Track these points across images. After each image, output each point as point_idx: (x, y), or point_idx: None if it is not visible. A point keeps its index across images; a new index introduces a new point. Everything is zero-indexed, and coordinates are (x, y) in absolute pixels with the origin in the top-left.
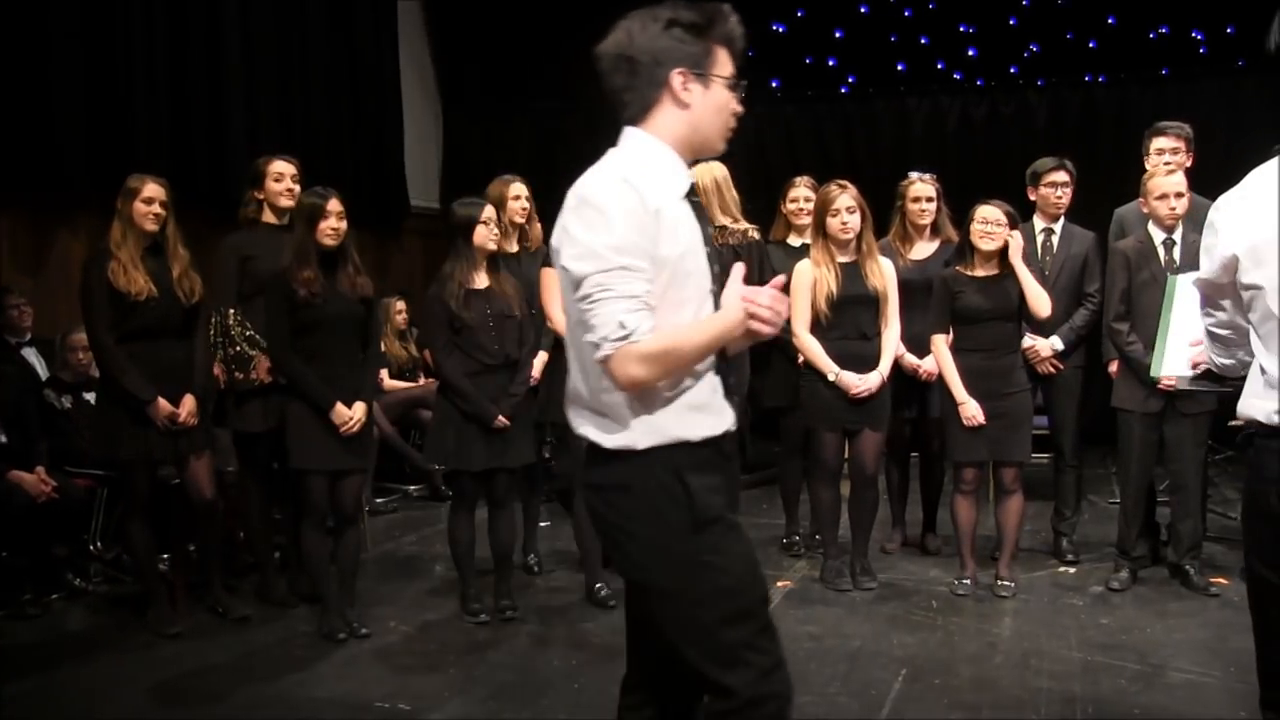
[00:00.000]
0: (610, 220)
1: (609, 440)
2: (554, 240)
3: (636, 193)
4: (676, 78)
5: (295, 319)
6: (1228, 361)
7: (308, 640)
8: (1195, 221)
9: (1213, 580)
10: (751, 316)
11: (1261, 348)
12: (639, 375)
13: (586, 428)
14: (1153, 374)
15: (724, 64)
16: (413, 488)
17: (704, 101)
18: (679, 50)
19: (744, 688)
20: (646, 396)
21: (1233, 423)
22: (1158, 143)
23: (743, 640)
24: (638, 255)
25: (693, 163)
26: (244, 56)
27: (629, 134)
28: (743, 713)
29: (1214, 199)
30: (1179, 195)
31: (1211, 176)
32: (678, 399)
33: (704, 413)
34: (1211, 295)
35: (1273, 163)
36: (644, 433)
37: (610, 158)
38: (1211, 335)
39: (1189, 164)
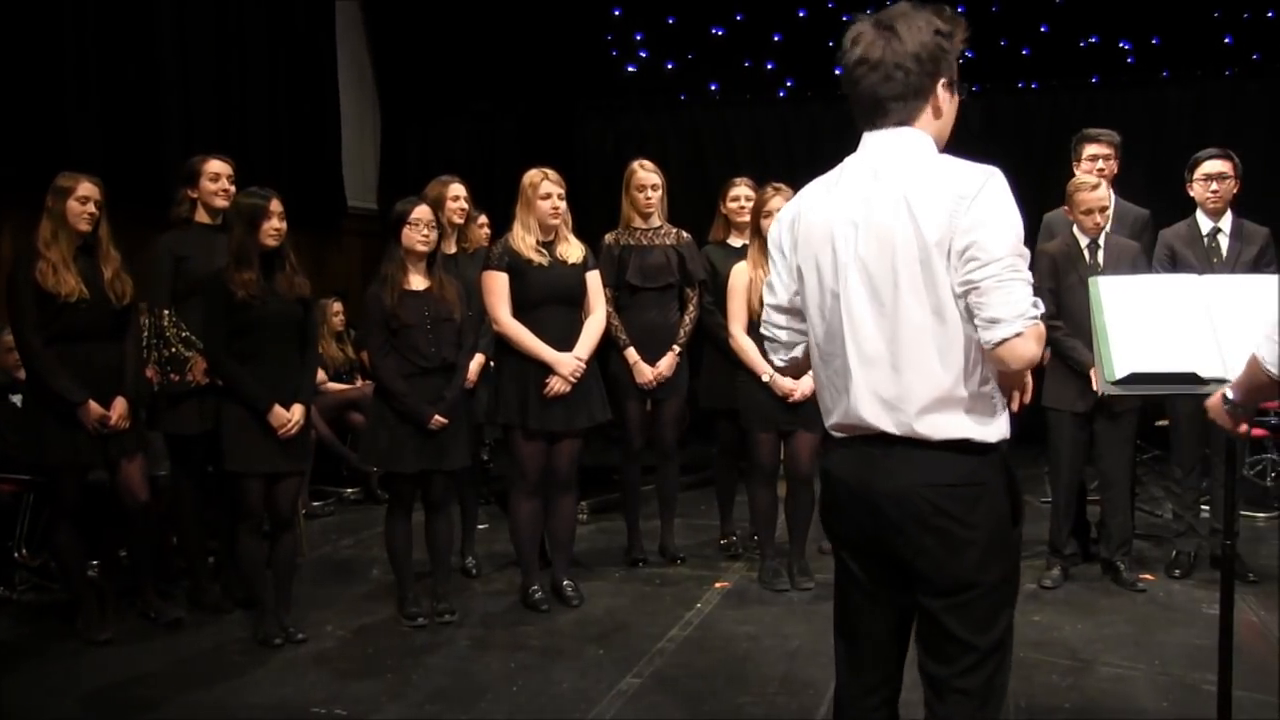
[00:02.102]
0: (1014, 208)
1: (984, 434)
2: (934, 215)
3: None
4: (942, 88)
5: (232, 320)
6: None
7: (242, 646)
8: (1122, 224)
9: (1140, 577)
10: None
11: None
12: (1038, 354)
13: (956, 422)
14: (1108, 379)
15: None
16: (349, 490)
17: (949, 111)
18: (945, 60)
19: (1005, 685)
20: (999, 390)
21: (1159, 422)
22: (1089, 149)
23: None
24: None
25: (625, 166)
26: (179, 53)
27: (901, 135)
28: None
29: (1140, 203)
30: (1103, 210)
31: (1137, 182)
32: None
33: None
34: None
35: None
36: (1002, 425)
37: (935, 155)
38: None
39: (1117, 170)
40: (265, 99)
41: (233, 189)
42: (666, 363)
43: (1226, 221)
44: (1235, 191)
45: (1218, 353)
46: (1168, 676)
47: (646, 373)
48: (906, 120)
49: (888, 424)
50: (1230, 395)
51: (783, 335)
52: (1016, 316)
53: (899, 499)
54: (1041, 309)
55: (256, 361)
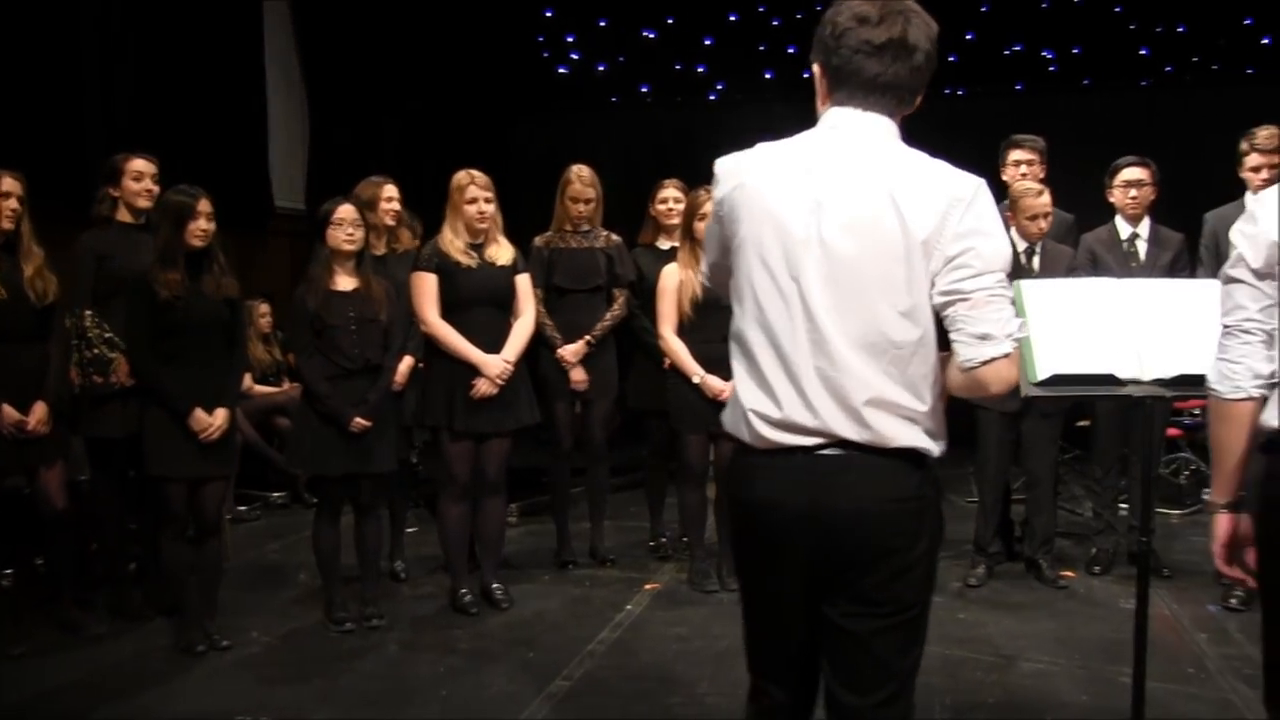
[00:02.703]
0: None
1: (934, 446)
2: (941, 224)
3: None
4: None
5: (157, 321)
6: (1262, 369)
7: (165, 654)
8: (1051, 231)
9: (1062, 574)
10: None
11: None
12: (1015, 378)
13: (912, 432)
14: (1030, 380)
15: None
16: (276, 494)
17: None
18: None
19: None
20: (941, 405)
21: (1080, 423)
22: (1014, 155)
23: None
24: None
25: (556, 167)
26: (102, 47)
27: (877, 120)
28: None
29: (1063, 208)
30: (1046, 215)
31: (1062, 187)
32: None
33: None
34: (1247, 282)
35: None
36: (944, 440)
37: (902, 144)
38: (1233, 331)
39: (1042, 175)
40: (190, 97)
41: (157, 188)
42: (574, 349)
43: (1144, 227)
44: (1153, 198)
45: (1135, 354)
46: (1087, 670)
47: (577, 371)
48: (896, 110)
49: (842, 425)
50: (1220, 500)
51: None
52: (1006, 336)
53: (858, 518)
54: (1026, 331)
55: (181, 363)
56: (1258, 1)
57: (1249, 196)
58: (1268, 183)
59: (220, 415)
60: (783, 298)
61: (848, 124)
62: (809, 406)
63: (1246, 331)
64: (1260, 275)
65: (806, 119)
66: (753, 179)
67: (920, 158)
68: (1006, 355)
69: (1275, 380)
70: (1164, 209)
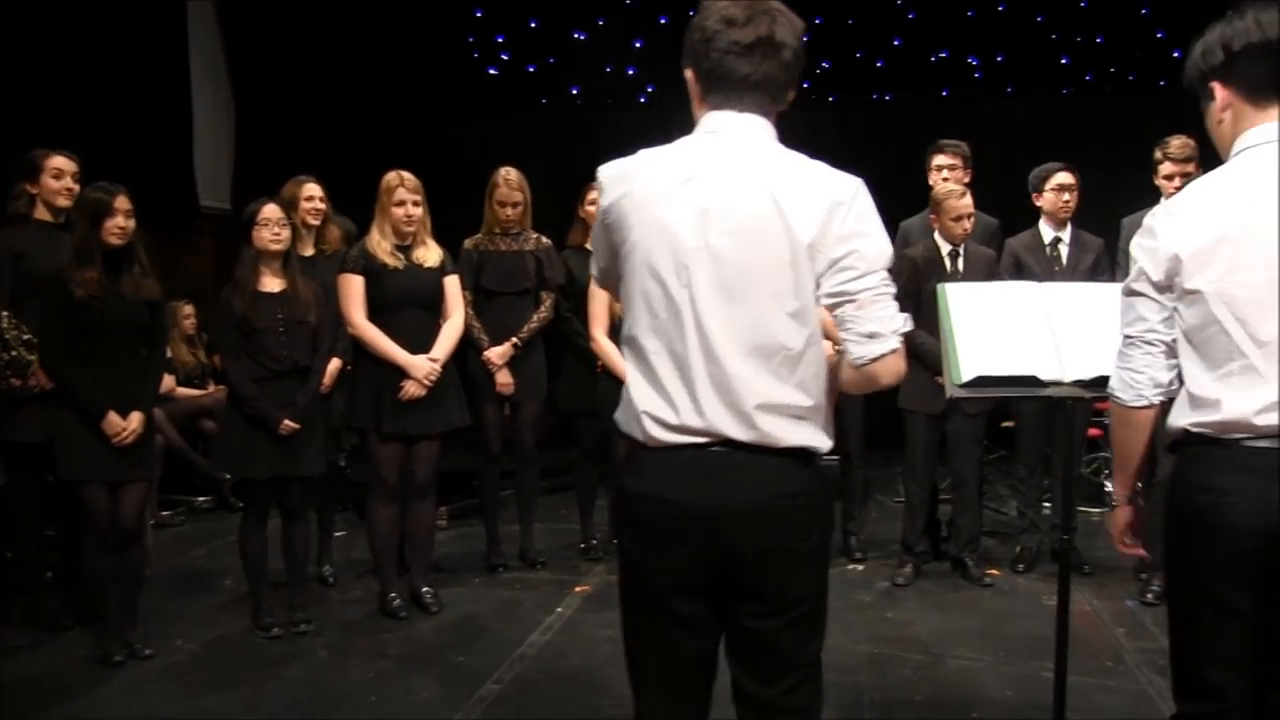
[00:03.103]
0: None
1: (822, 442)
2: (824, 224)
3: None
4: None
5: (72, 321)
6: (1161, 377)
7: (83, 665)
8: (975, 235)
9: (987, 572)
10: None
11: (1193, 357)
12: (905, 369)
13: (802, 430)
14: (955, 381)
15: None
16: (201, 499)
17: None
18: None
19: (822, 695)
20: (830, 402)
21: (1004, 424)
22: (937, 160)
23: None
24: None
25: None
26: (17, 43)
27: (755, 122)
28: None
29: (990, 213)
30: (970, 216)
31: (986, 191)
32: None
33: None
34: (1149, 295)
35: (1216, 171)
36: (826, 435)
37: (791, 152)
38: (1136, 342)
39: (967, 179)
40: (111, 94)
41: (77, 187)
42: (500, 351)
43: (1066, 231)
44: (1076, 203)
45: (1056, 356)
46: (1011, 666)
47: (502, 374)
48: (770, 109)
49: (733, 428)
50: (1121, 500)
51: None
52: (893, 332)
53: (749, 514)
54: (910, 325)
55: (97, 364)
56: (1170, 17)
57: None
58: (1180, 190)
59: (135, 419)
60: (674, 305)
61: (728, 127)
62: (700, 412)
63: (1149, 343)
64: (1160, 288)
65: None
66: (638, 187)
67: (800, 160)
68: (894, 350)
69: (1175, 387)
70: (1082, 214)
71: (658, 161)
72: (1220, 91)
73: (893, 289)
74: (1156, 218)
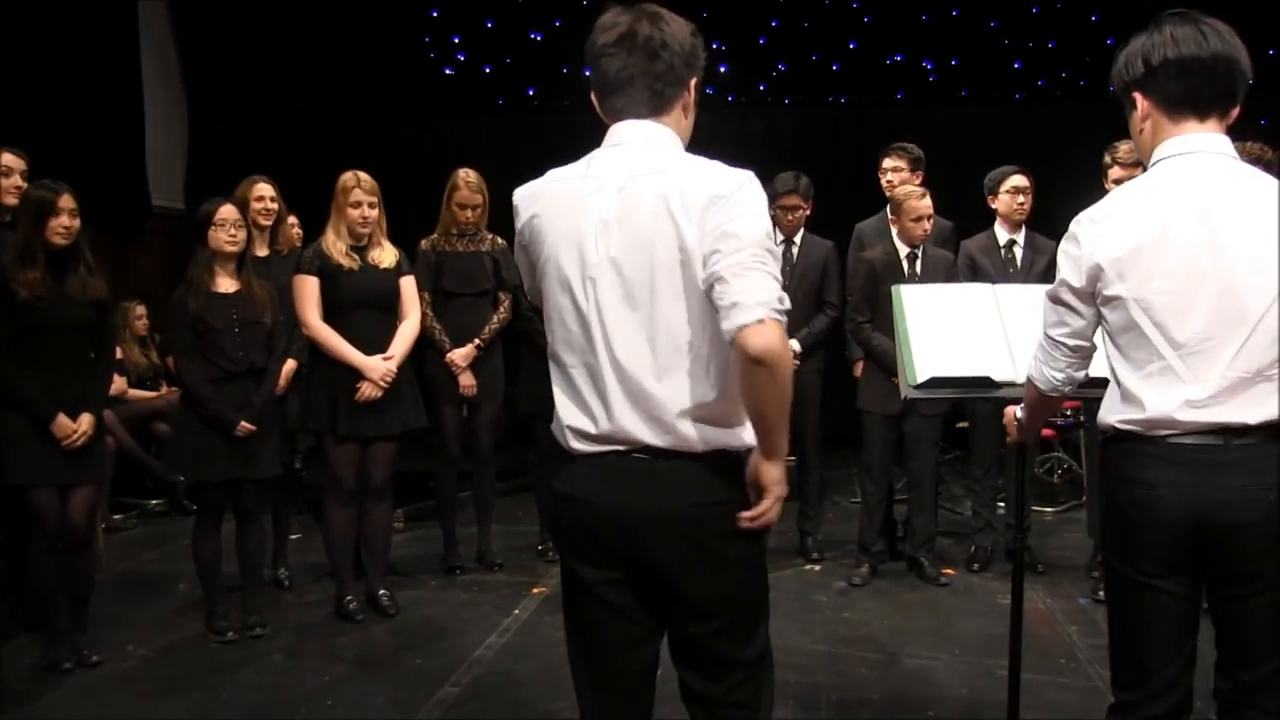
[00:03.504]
0: (766, 212)
1: (740, 442)
2: (691, 209)
3: None
4: (693, 86)
5: (15, 322)
6: (1077, 375)
7: (30, 673)
8: (932, 237)
9: (943, 571)
10: None
11: (1119, 357)
12: (778, 347)
13: (716, 433)
14: (909, 383)
15: None
16: (154, 502)
17: (691, 113)
18: (698, 58)
19: (773, 685)
20: (737, 398)
21: (960, 424)
22: (886, 162)
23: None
24: None
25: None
26: None
27: (656, 130)
28: (763, 708)
29: (944, 215)
30: (929, 217)
31: (941, 194)
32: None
33: None
34: (1070, 303)
35: (1135, 181)
36: (750, 433)
37: (688, 155)
38: (1059, 345)
39: (916, 181)
40: (61, 91)
41: (25, 185)
42: (463, 353)
43: (1021, 234)
44: (1029, 206)
45: (1009, 357)
46: (966, 664)
47: (465, 375)
48: (661, 110)
49: (650, 435)
50: (1019, 414)
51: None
52: (758, 304)
53: (666, 521)
54: (787, 305)
55: (43, 367)
56: (1119, 24)
57: None
58: None
59: (85, 421)
60: (583, 318)
61: (629, 138)
62: (615, 422)
63: (1070, 348)
64: (1081, 295)
65: (698, 125)
66: (546, 206)
67: (695, 162)
68: (759, 320)
69: (1084, 380)
70: (1035, 217)
71: (564, 179)
72: (1140, 102)
73: (769, 268)
74: (1081, 225)
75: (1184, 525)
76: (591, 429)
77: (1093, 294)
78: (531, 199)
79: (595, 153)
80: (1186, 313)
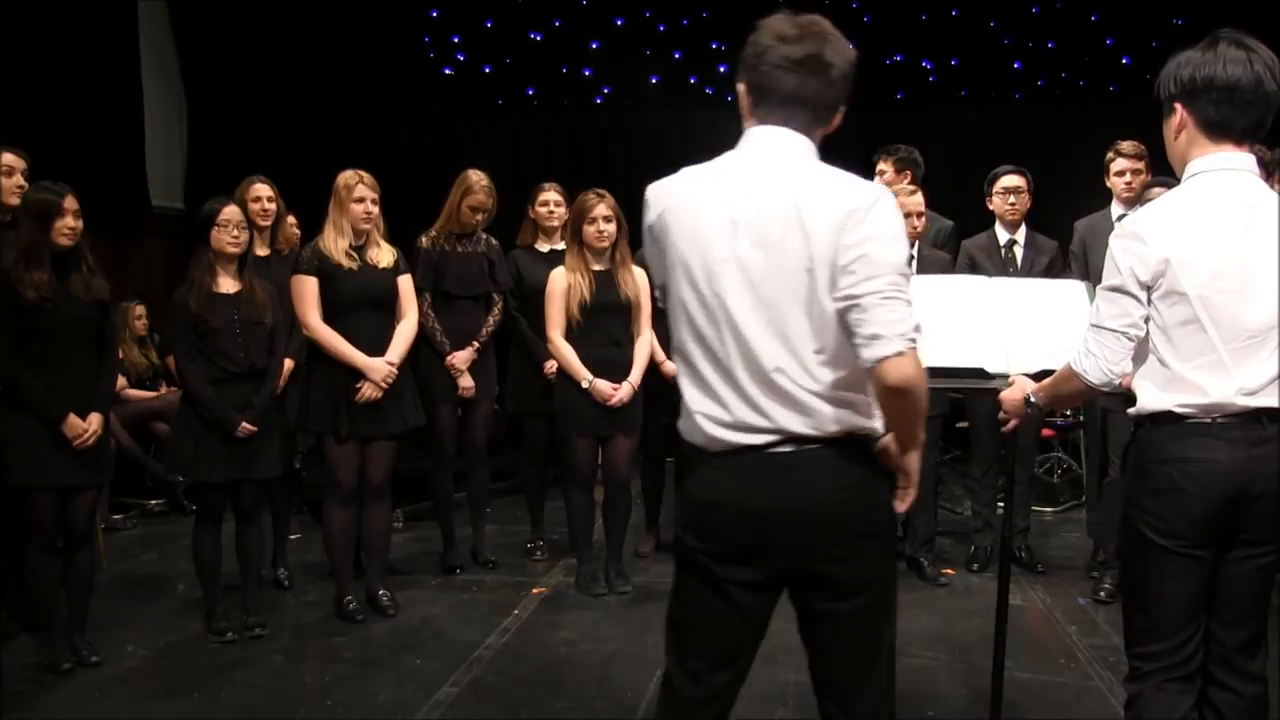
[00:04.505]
0: (903, 228)
1: (874, 426)
2: (827, 224)
3: None
4: (843, 106)
5: (21, 323)
6: (1124, 369)
7: (29, 673)
8: (927, 235)
9: (943, 571)
10: None
11: (1168, 348)
12: (917, 375)
13: (852, 418)
14: None
15: None
16: (153, 502)
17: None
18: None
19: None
20: (864, 384)
21: (959, 424)
22: (879, 165)
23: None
24: None
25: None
26: None
27: (795, 138)
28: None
29: (945, 215)
30: (919, 214)
31: (940, 194)
32: None
33: None
34: (1135, 294)
35: (1186, 189)
36: (874, 418)
37: (822, 164)
38: (1121, 335)
39: (904, 182)
40: (61, 91)
41: (26, 185)
42: (463, 356)
43: (1021, 233)
44: (1029, 205)
45: (1003, 349)
46: (966, 664)
47: (465, 377)
48: (813, 126)
49: (795, 423)
50: (1033, 398)
51: None
52: (898, 335)
53: (813, 509)
54: (922, 331)
55: (48, 367)
56: (1118, 24)
57: (1115, 206)
58: (1131, 187)
59: (94, 420)
60: (709, 312)
61: (765, 141)
62: (753, 406)
63: (1129, 337)
64: (1143, 287)
65: (690, 124)
66: (675, 202)
67: (828, 172)
68: (899, 353)
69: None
70: (1034, 216)
71: (695, 177)
72: (1181, 113)
73: (905, 294)
74: (1140, 223)
75: (1231, 497)
76: (725, 416)
77: (1152, 287)
78: (663, 195)
79: (730, 153)
80: (1239, 313)
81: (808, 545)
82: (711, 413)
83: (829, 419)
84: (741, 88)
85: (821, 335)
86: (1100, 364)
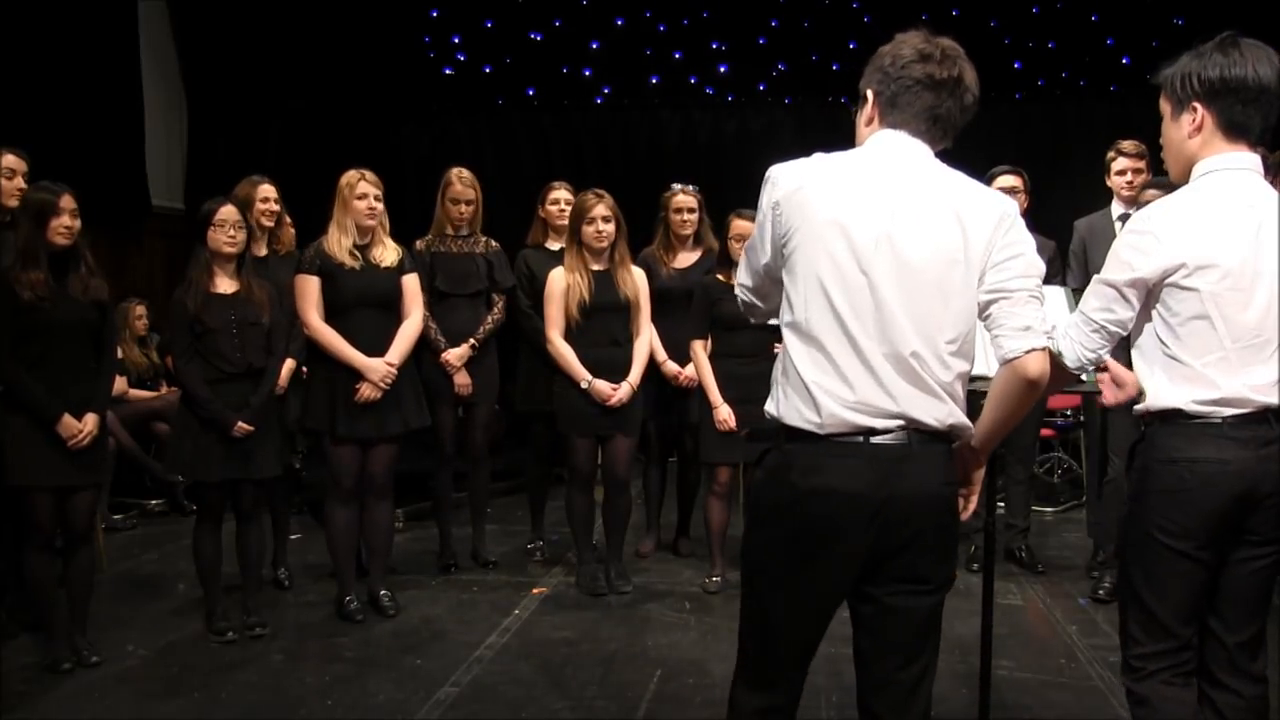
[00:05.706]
0: None
1: (967, 423)
2: (981, 226)
3: None
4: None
5: (18, 323)
6: (1105, 356)
7: (29, 673)
8: None
9: None
10: None
11: (1176, 344)
12: (1048, 373)
13: (960, 415)
14: None
15: None
16: (153, 502)
17: None
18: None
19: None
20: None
21: None
22: None
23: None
24: None
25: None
26: None
27: (919, 144)
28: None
29: None
30: None
31: None
32: None
33: None
34: (1125, 294)
35: (1198, 188)
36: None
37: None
38: (1101, 330)
39: None
40: (61, 91)
41: (26, 186)
42: (458, 353)
43: None
44: (1025, 205)
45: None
46: (966, 664)
47: (461, 375)
48: (937, 141)
49: (918, 410)
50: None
51: (760, 304)
52: (1044, 332)
53: (923, 501)
54: (1054, 338)
55: (45, 367)
56: (1118, 24)
57: (1115, 205)
58: (1132, 186)
59: (90, 421)
60: (851, 290)
61: (900, 143)
62: (882, 387)
63: (1109, 332)
64: (1138, 286)
65: (690, 124)
66: (813, 184)
67: (967, 179)
68: (1044, 348)
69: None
70: (1033, 215)
71: (831, 164)
72: (1201, 113)
73: (1043, 298)
74: (1154, 220)
75: (1240, 497)
76: (849, 395)
77: (1151, 287)
78: (795, 175)
79: (862, 149)
80: (1247, 311)
81: (908, 534)
82: (834, 389)
83: (946, 411)
84: (870, 95)
85: (957, 326)
86: (1077, 349)
